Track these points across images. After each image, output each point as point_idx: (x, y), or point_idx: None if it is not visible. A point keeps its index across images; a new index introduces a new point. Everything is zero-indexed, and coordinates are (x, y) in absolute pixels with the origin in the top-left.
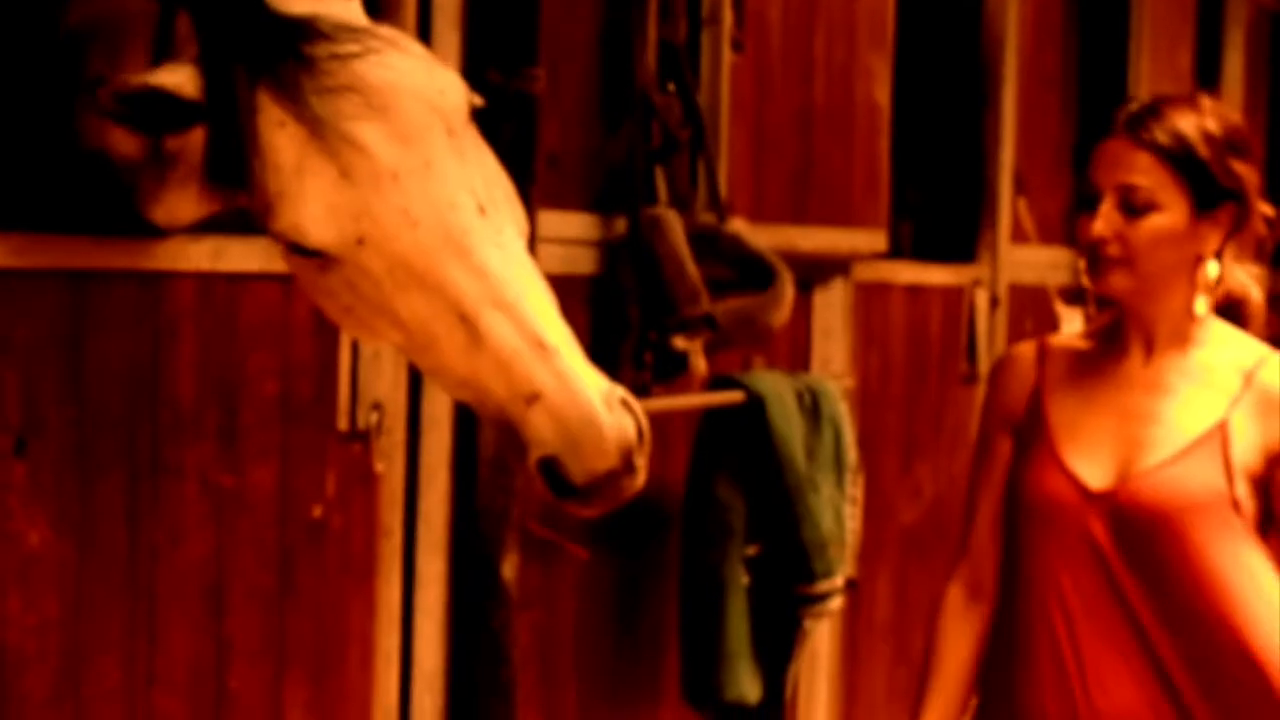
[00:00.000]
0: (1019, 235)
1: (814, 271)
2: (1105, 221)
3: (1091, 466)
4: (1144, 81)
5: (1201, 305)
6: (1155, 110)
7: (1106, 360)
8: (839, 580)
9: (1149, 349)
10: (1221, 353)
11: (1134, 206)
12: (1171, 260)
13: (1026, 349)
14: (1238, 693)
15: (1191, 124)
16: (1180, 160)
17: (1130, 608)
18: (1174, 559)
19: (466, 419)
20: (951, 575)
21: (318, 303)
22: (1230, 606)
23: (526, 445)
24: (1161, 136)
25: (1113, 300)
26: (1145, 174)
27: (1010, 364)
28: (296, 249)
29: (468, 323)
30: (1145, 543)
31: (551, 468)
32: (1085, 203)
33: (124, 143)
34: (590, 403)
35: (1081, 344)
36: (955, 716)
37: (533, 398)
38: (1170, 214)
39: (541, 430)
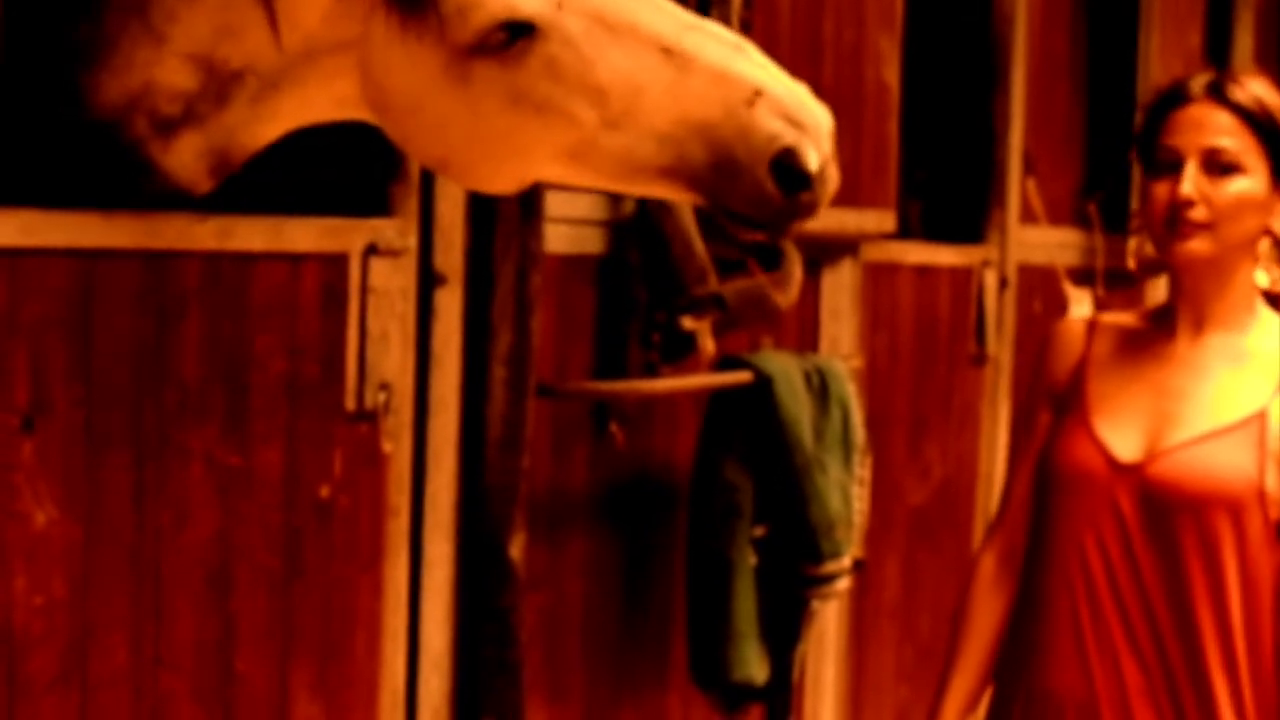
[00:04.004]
0: (1028, 216)
1: (822, 252)
2: (1192, 183)
3: (1122, 438)
4: (1154, 62)
5: (1264, 277)
6: (1233, 77)
7: (1153, 339)
8: (846, 561)
9: (1197, 329)
10: (1267, 340)
11: (1221, 166)
12: (1250, 228)
13: (1077, 324)
14: (1222, 688)
15: (1270, 94)
16: (1263, 124)
17: (1144, 589)
18: (1191, 540)
19: (474, 399)
20: (986, 543)
21: (499, 127)
22: (1231, 601)
23: (758, 150)
24: (1245, 99)
25: (1187, 268)
26: (1231, 135)
27: (1058, 337)
28: (499, 42)
29: (672, 53)
30: (1167, 520)
31: (785, 162)
32: (1156, 169)
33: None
34: (803, 89)
35: (1132, 322)
36: (981, 684)
37: (754, 96)
38: (1254, 178)
39: (772, 123)
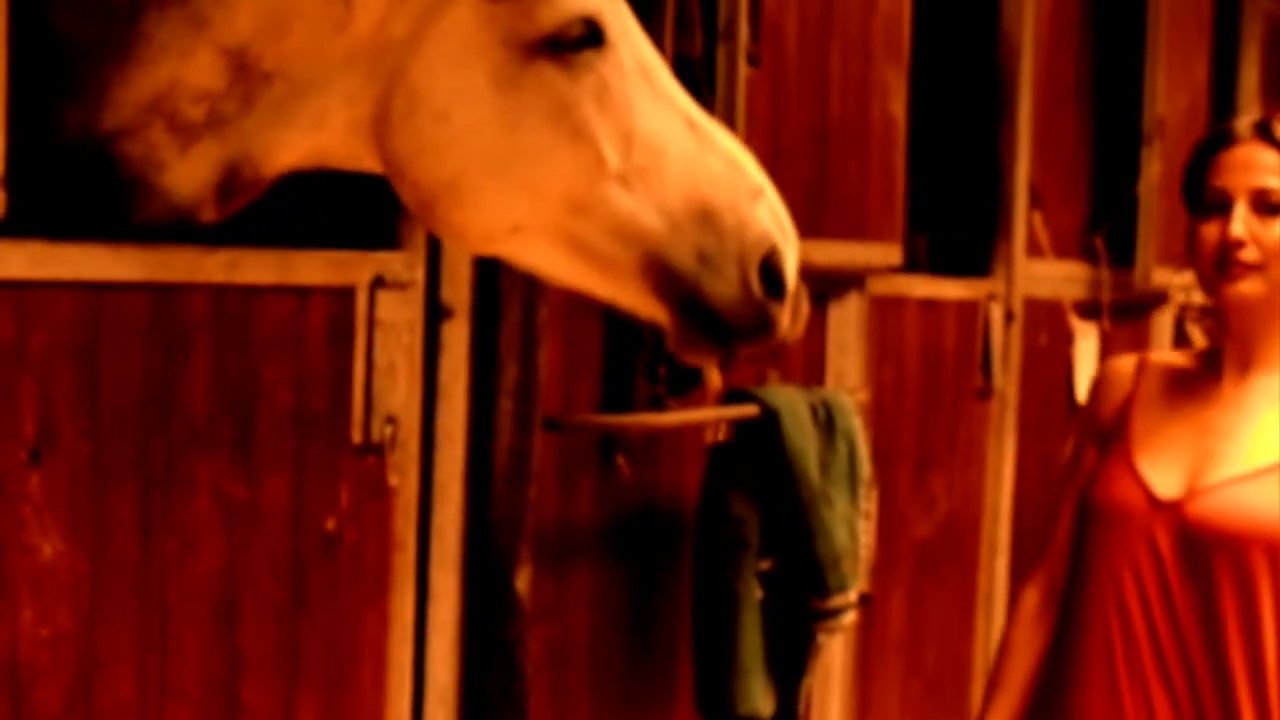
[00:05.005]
0: (1034, 249)
1: (829, 285)
2: (1242, 224)
3: (1163, 476)
4: (1160, 95)
5: None
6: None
7: (1201, 378)
8: (852, 595)
9: (1244, 369)
10: None
11: (1271, 206)
12: None
13: (1126, 363)
14: None
15: None
16: None
17: (1179, 624)
18: (1227, 578)
19: (481, 432)
20: (1028, 578)
21: (529, 145)
22: (1265, 639)
23: (752, 245)
24: None
25: (1236, 309)
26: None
27: (1107, 376)
28: (572, 39)
29: (696, 128)
30: (1204, 557)
31: (771, 264)
32: (1203, 210)
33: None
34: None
35: (1182, 361)
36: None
37: (757, 193)
38: None
39: (768, 222)
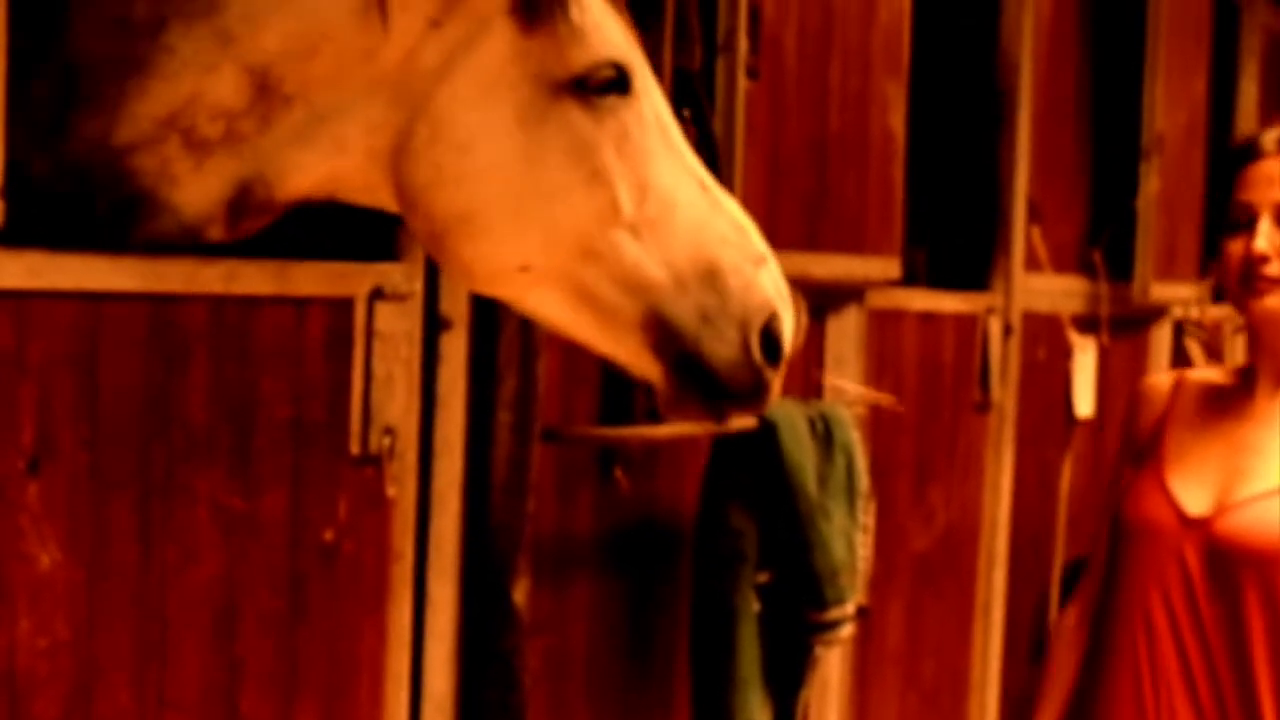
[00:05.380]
0: (1033, 263)
1: (827, 299)
2: (1266, 239)
3: (1193, 493)
4: (1158, 110)
5: None
6: None
7: (1234, 395)
8: (850, 607)
9: (1275, 385)
10: None
11: None
12: None
13: (1163, 380)
14: None
15: None
16: None
17: (1207, 642)
18: (1253, 595)
19: (479, 444)
20: (1072, 599)
21: (548, 182)
22: None
23: (755, 309)
24: None
25: (1264, 324)
26: None
27: (1144, 395)
28: (599, 83)
29: (707, 190)
30: (1230, 574)
31: (771, 330)
32: (1231, 226)
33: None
34: None
35: (1217, 378)
36: None
37: (761, 259)
38: None
39: (770, 289)
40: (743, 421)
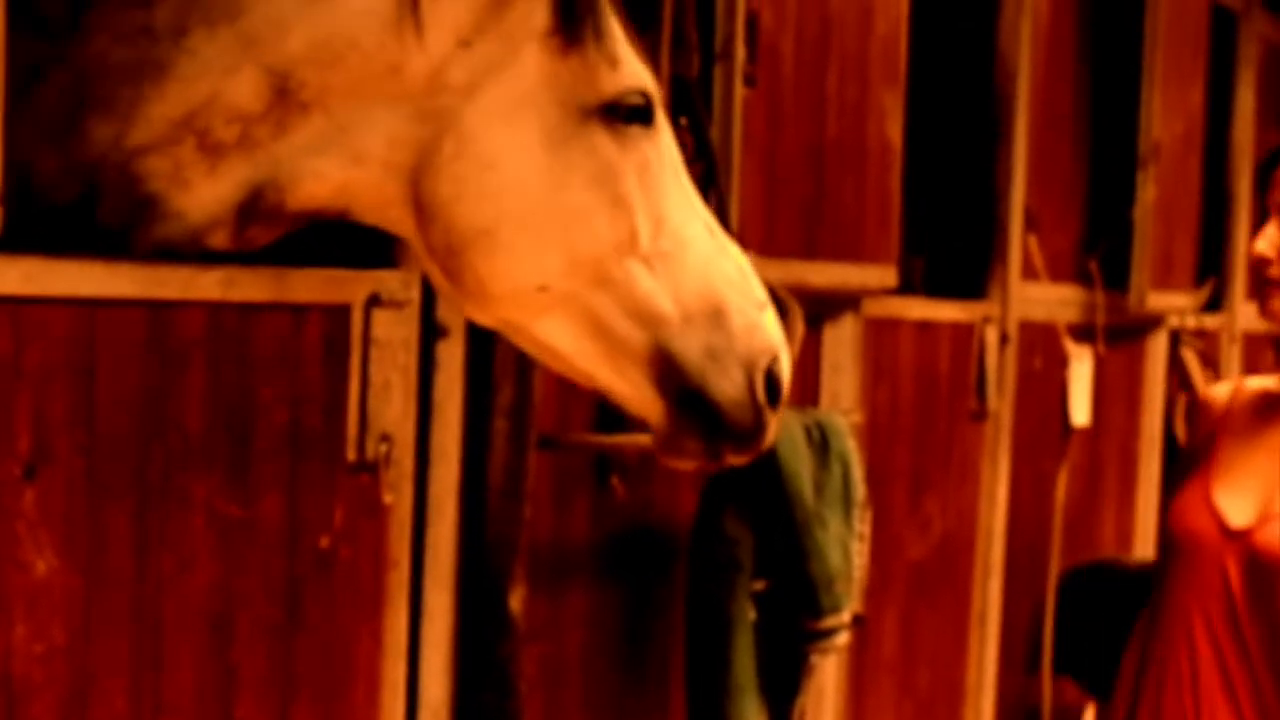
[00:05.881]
0: (1029, 272)
1: (824, 306)
2: (1267, 241)
3: (1237, 504)
4: (1155, 119)
5: None
6: None
7: None
8: (846, 616)
9: None
10: None
11: None
12: None
13: (1220, 391)
14: None
15: None
16: None
17: (1249, 654)
18: None
19: (475, 450)
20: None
21: (569, 204)
22: None
23: (759, 350)
24: None
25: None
26: None
27: (1202, 406)
28: (626, 110)
29: (714, 234)
30: (1270, 585)
31: (773, 373)
32: (1256, 228)
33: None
34: None
35: (1275, 385)
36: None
37: (762, 305)
38: None
39: (774, 332)
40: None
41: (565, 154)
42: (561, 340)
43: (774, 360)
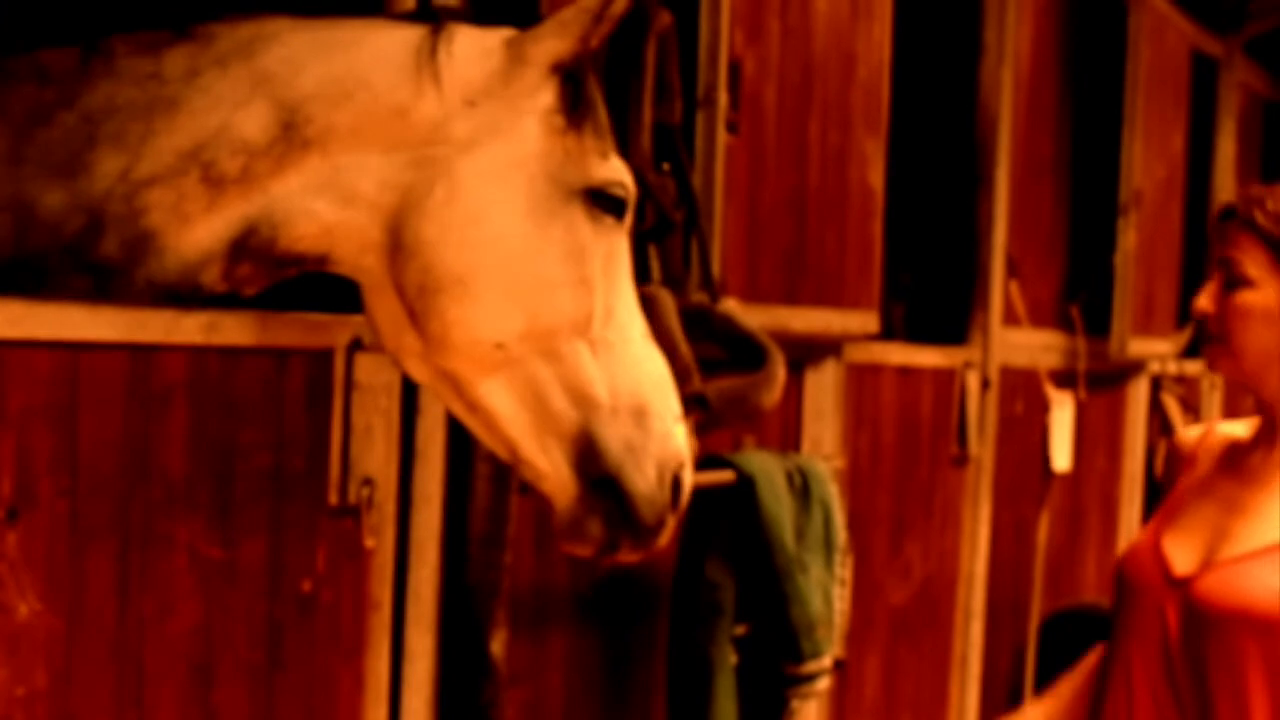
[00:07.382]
0: (1010, 318)
1: (806, 352)
2: (1206, 297)
3: (1183, 552)
4: (1136, 166)
5: None
6: (1264, 194)
7: (1247, 450)
8: (827, 661)
9: (1271, 444)
10: None
11: (1230, 281)
12: (1266, 342)
13: (1192, 433)
14: None
15: None
16: (1274, 240)
17: (1181, 703)
18: (1218, 659)
19: (457, 495)
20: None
21: (540, 271)
22: None
23: (671, 455)
24: (1260, 217)
25: (1230, 382)
26: (1243, 250)
27: (1173, 451)
28: (608, 200)
29: (649, 339)
30: (1201, 636)
31: (677, 479)
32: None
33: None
34: None
35: (1241, 433)
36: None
37: (678, 418)
38: (1262, 292)
39: (684, 447)
40: (718, 475)
41: (547, 224)
42: (499, 404)
43: (680, 468)
